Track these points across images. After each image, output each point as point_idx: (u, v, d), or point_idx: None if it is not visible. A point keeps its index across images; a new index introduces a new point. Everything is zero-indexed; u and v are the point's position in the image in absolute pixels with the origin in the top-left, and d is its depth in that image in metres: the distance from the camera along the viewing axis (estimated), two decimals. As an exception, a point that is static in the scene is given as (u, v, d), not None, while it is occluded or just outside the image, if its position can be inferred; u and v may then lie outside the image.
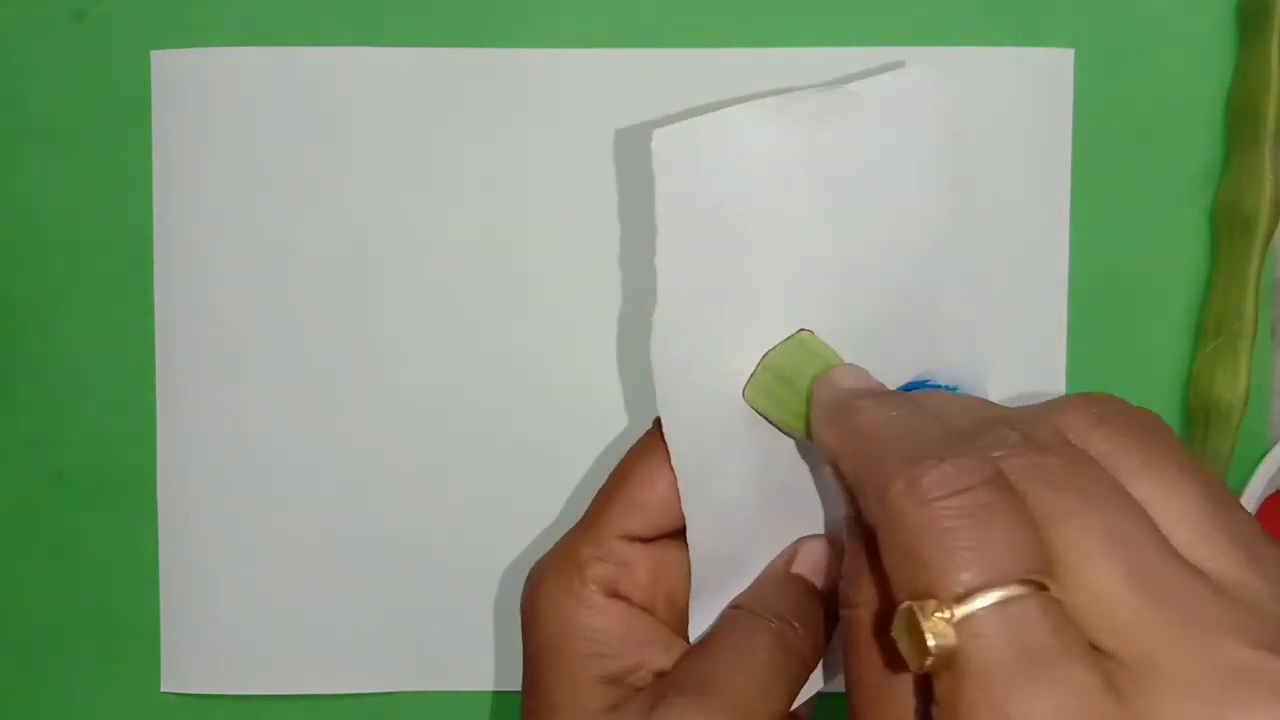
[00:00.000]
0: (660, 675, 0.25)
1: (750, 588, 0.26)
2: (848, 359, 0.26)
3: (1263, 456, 0.34)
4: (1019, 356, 0.36)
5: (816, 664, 0.26)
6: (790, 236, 0.25)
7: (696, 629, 0.26)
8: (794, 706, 0.26)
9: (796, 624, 0.25)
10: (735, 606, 0.26)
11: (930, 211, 0.27)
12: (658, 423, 0.25)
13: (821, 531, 0.27)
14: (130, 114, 0.36)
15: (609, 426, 0.36)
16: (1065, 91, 0.35)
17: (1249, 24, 0.35)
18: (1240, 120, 0.35)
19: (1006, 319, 0.36)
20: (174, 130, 0.36)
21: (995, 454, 0.19)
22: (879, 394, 0.23)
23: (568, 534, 0.26)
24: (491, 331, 0.36)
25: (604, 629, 0.25)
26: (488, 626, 0.36)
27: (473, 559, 0.36)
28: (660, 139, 0.24)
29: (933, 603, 0.17)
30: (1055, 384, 0.36)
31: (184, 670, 0.36)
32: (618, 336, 0.36)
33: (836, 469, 0.22)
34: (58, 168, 0.36)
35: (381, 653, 0.36)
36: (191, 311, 0.36)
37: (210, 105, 0.35)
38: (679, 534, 0.26)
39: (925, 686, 0.19)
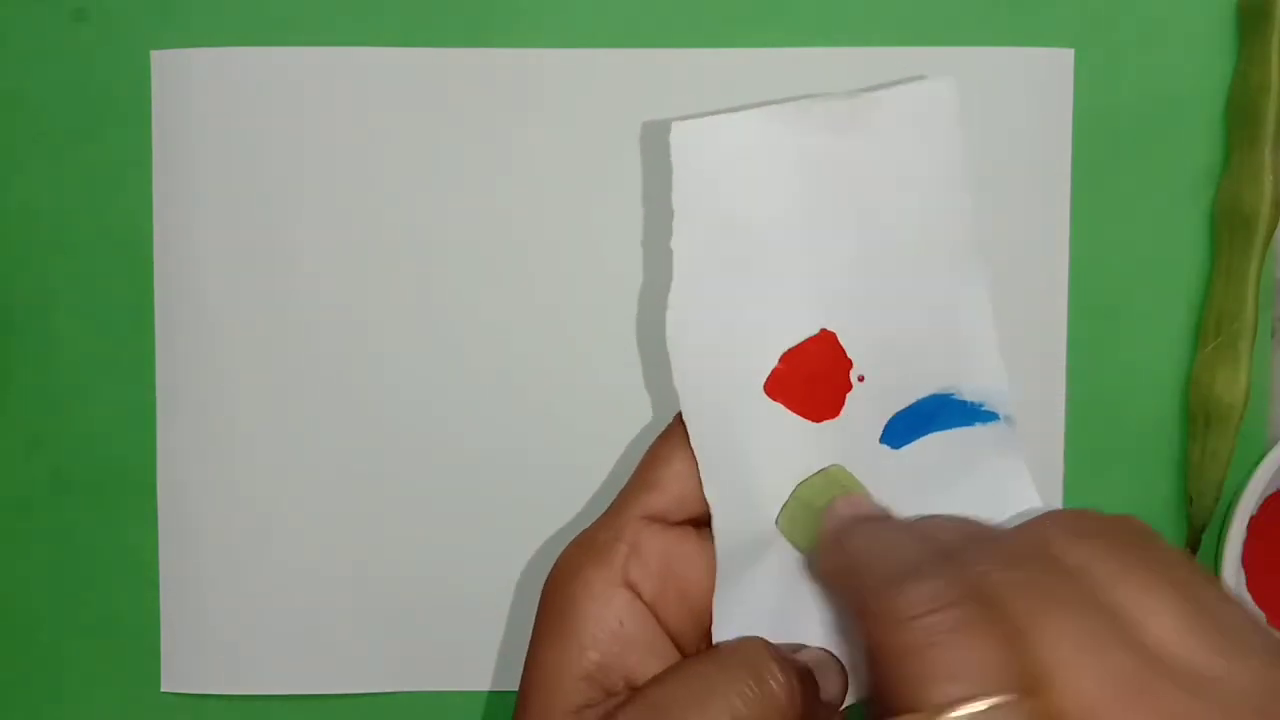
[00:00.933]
0: (632, 686, 0.25)
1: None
2: (868, 366, 0.26)
3: (1263, 456, 0.34)
4: (1019, 357, 0.35)
5: None
6: (808, 235, 0.26)
7: (720, 626, 0.25)
8: None
9: (780, 682, 0.24)
10: (743, 639, 0.25)
11: (949, 222, 0.27)
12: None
13: None
14: (130, 114, 0.36)
15: (610, 426, 0.36)
16: (1065, 91, 0.35)
17: (1249, 24, 0.35)
18: (1240, 120, 0.35)
19: (1007, 320, 0.35)
20: (174, 130, 0.36)
21: (978, 569, 0.20)
22: (874, 519, 0.24)
23: (593, 523, 0.26)
24: (492, 330, 0.36)
25: (599, 619, 0.25)
26: (487, 626, 0.36)
27: (473, 559, 0.36)
28: (679, 131, 0.24)
29: (917, 717, 0.18)
30: (1055, 384, 0.36)
31: (184, 670, 0.36)
32: (618, 336, 0.36)
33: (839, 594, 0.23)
34: (58, 168, 0.36)
35: (381, 653, 0.36)
36: (191, 311, 0.36)
37: (210, 105, 0.35)
38: (698, 524, 0.26)
39: None
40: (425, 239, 0.36)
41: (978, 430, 0.27)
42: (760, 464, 0.25)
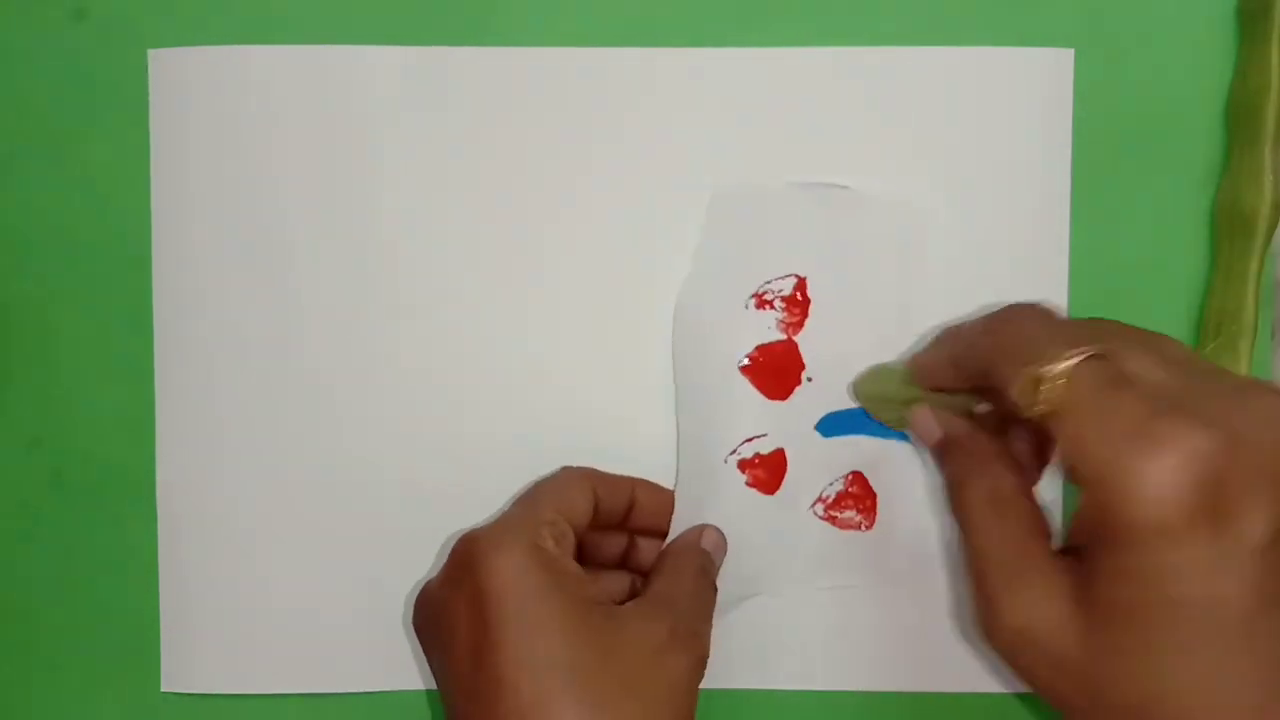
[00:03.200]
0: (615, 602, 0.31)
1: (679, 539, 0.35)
2: (817, 372, 0.35)
3: (1262, 456, 0.34)
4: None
5: None
6: (792, 275, 0.35)
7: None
8: None
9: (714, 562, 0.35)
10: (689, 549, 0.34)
11: (904, 301, 0.36)
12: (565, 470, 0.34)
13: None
14: (129, 114, 0.36)
15: (610, 428, 0.36)
16: (1065, 91, 0.35)
17: (1249, 24, 0.35)
18: (1240, 120, 0.35)
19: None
20: (173, 130, 0.36)
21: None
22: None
23: (496, 522, 0.31)
24: (492, 330, 0.36)
25: (571, 568, 0.30)
26: (488, 626, 0.36)
27: (473, 559, 0.36)
28: (719, 194, 0.35)
29: (1038, 369, 0.28)
30: (1055, 384, 0.36)
31: (184, 670, 0.36)
32: (617, 335, 0.36)
33: (948, 371, 0.33)
34: (57, 167, 0.36)
35: (381, 653, 0.36)
36: (191, 312, 0.36)
37: (210, 105, 0.35)
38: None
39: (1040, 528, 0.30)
40: (424, 237, 0.36)
41: (891, 444, 0.35)
42: (722, 419, 0.35)
